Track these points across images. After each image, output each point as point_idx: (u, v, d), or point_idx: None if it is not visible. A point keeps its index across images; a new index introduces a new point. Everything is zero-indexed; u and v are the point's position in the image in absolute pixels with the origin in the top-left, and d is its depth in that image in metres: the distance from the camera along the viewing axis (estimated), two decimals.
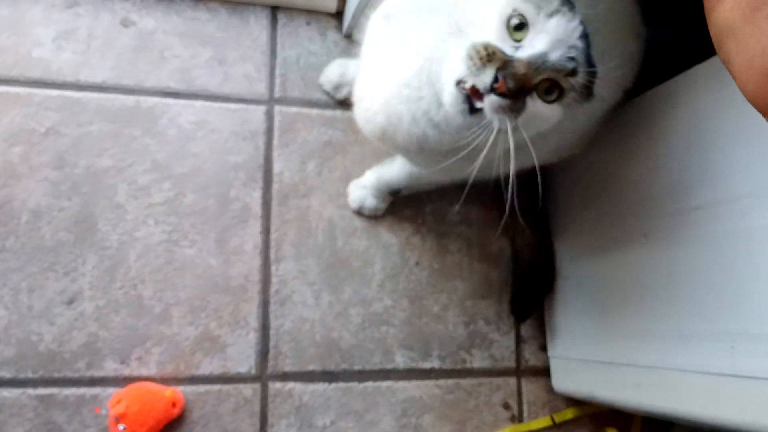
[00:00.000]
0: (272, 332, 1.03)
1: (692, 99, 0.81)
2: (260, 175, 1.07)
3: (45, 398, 0.94)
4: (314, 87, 1.12)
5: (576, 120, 0.79)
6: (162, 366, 0.98)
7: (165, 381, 0.98)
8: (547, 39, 0.65)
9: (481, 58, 0.65)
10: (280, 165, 1.08)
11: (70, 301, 0.97)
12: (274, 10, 1.12)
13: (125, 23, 1.06)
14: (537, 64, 0.65)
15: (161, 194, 1.03)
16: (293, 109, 1.10)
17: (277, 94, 1.10)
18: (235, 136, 1.07)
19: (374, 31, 0.85)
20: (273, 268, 1.05)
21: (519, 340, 1.14)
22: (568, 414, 1.12)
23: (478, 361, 1.11)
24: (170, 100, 1.06)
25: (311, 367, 1.04)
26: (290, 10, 1.13)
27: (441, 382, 1.09)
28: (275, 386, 1.02)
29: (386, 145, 0.85)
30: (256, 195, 1.06)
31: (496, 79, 0.64)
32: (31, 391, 0.94)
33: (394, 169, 1.01)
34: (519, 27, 0.66)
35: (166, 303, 1.00)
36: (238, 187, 1.06)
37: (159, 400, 0.93)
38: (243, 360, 1.01)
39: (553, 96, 0.67)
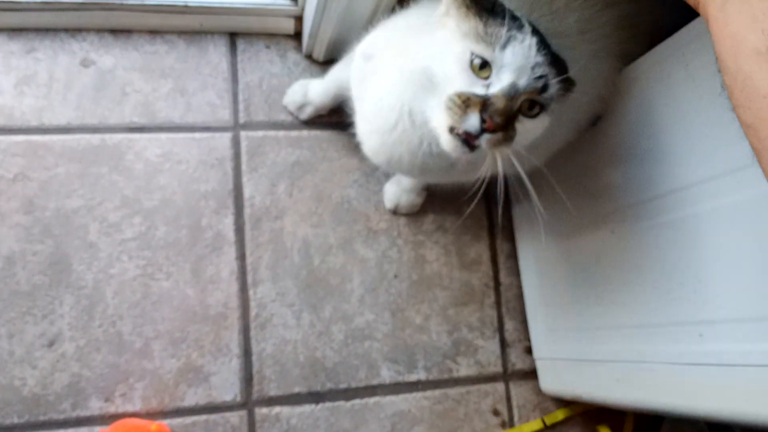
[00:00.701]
0: (255, 357, 1.03)
1: (642, 89, 0.81)
2: (231, 201, 1.07)
3: None
4: (278, 109, 1.12)
5: (561, 119, 0.82)
6: (146, 401, 0.99)
7: (150, 415, 0.98)
8: (510, 70, 0.69)
9: (459, 107, 0.69)
10: (250, 189, 1.08)
11: (51, 344, 0.97)
12: (233, 36, 1.13)
13: (85, 63, 1.07)
14: (511, 93, 0.69)
15: (133, 229, 1.03)
16: (259, 133, 1.11)
17: (241, 119, 1.10)
18: (203, 165, 1.07)
19: (356, 69, 0.90)
20: (251, 292, 1.05)
21: (504, 344, 1.14)
22: (559, 415, 1.12)
23: (464, 368, 1.11)
24: (135, 135, 1.06)
25: (297, 389, 1.04)
26: (248, 35, 1.13)
27: (429, 393, 1.09)
28: (262, 411, 1.02)
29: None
30: (228, 221, 1.07)
31: (483, 120, 0.68)
32: None
33: None
34: (483, 65, 0.70)
35: (146, 337, 1.00)
36: (210, 215, 1.06)
37: None
38: (227, 388, 1.01)
39: (536, 110, 0.72)
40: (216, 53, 1.12)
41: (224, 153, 1.09)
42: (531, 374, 1.13)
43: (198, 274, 1.04)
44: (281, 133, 1.11)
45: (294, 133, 1.12)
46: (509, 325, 1.14)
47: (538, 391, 1.12)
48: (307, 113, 1.11)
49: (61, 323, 0.98)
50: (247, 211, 1.08)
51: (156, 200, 1.05)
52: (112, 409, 0.97)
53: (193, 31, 1.11)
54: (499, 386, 1.12)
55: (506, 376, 1.13)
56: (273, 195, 1.09)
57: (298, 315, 1.06)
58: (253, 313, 1.05)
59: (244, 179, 1.09)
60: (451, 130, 0.70)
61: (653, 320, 0.81)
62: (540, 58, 0.69)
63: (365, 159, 1.12)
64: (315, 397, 1.04)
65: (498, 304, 1.15)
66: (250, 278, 1.06)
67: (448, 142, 0.71)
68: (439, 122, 0.71)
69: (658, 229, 0.80)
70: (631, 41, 0.85)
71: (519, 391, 1.12)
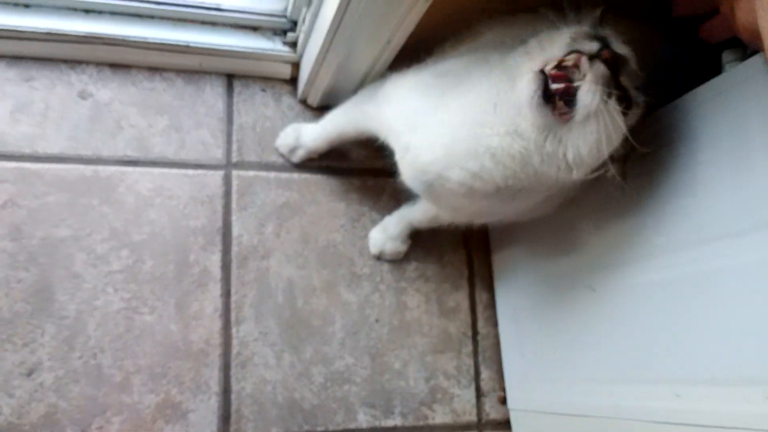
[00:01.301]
0: (234, 396, 1.04)
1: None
2: (219, 239, 1.09)
3: None
4: (270, 151, 1.14)
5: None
6: None
7: None
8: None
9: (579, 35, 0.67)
10: (238, 228, 1.10)
11: (29, 373, 0.96)
12: (230, 78, 1.16)
13: (82, 95, 1.08)
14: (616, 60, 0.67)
15: (120, 262, 1.03)
16: (250, 173, 1.13)
17: (234, 158, 1.12)
18: (194, 201, 1.09)
19: (420, 90, 0.89)
20: (234, 330, 1.06)
21: (479, 393, 1.15)
22: None
23: (440, 416, 1.12)
24: (128, 169, 1.07)
25: (274, 430, 1.04)
26: (245, 77, 1.16)
27: None
28: None
29: (431, 194, 0.86)
30: (216, 258, 1.08)
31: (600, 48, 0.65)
32: None
33: (417, 212, 1.07)
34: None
35: (126, 371, 1.00)
36: (197, 252, 1.07)
37: None
38: (205, 425, 1.01)
39: (623, 106, 0.68)
40: (213, 93, 1.14)
41: (215, 191, 1.10)
42: (504, 424, 1.14)
43: (182, 309, 1.04)
44: (272, 175, 1.14)
45: (284, 175, 1.14)
46: (485, 374, 1.16)
47: None
48: (298, 156, 1.13)
49: (41, 353, 0.98)
50: (234, 249, 1.09)
51: (145, 234, 1.05)
52: None
53: (191, 71, 1.13)
54: None
55: (480, 425, 1.14)
56: (261, 235, 1.11)
57: (279, 355, 1.07)
58: (234, 351, 1.05)
59: (234, 217, 1.10)
60: (541, 71, 0.66)
61: (629, 376, 0.84)
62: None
63: (352, 205, 1.16)
64: None
65: (475, 353, 1.17)
66: (233, 316, 1.06)
67: (527, 83, 0.67)
68: (537, 59, 0.67)
69: (639, 288, 0.83)
70: None
71: None
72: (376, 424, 1.09)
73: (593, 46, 0.66)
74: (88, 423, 0.97)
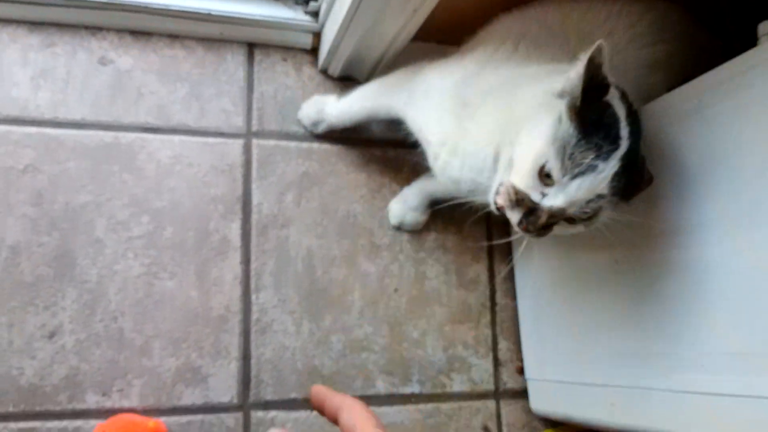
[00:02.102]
0: (253, 361, 1.04)
1: (658, 127, 0.85)
2: (239, 207, 1.09)
3: None
4: (291, 120, 1.14)
5: None
6: (144, 398, 0.98)
7: (147, 412, 0.98)
8: (566, 198, 0.71)
9: (511, 198, 0.75)
10: (258, 197, 1.10)
11: (51, 336, 0.97)
12: (251, 47, 1.15)
13: (103, 62, 1.08)
14: (557, 214, 0.72)
15: (140, 228, 1.04)
16: (271, 142, 1.13)
17: (254, 127, 1.12)
18: (214, 170, 1.09)
19: (447, 110, 0.92)
20: (253, 297, 1.06)
21: (497, 363, 1.15)
22: None
23: (457, 384, 1.12)
24: (148, 136, 1.07)
25: (293, 395, 1.05)
26: (266, 47, 1.16)
27: (422, 406, 1.10)
28: (257, 415, 1.02)
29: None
30: (235, 227, 1.08)
31: (522, 222, 0.74)
32: (12, 425, 0.93)
33: (438, 183, 1.05)
34: (550, 175, 0.73)
35: (146, 335, 1.00)
36: (217, 220, 1.07)
37: None
38: (225, 390, 1.02)
39: (577, 226, 0.75)
40: (233, 62, 1.14)
41: (235, 159, 1.10)
42: (522, 394, 1.14)
43: (202, 276, 1.05)
44: (292, 144, 1.14)
45: (305, 145, 1.14)
46: (503, 345, 1.16)
47: (528, 411, 1.14)
48: (320, 129, 1.13)
49: (63, 316, 0.98)
50: (254, 217, 1.09)
51: (165, 201, 1.06)
52: (108, 404, 0.97)
53: (212, 39, 1.13)
54: (490, 404, 1.13)
55: (497, 394, 1.14)
56: (281, 204, 1.11)
57: (299, 323, 1.07)
58: (254, 317, 1.06)
59: (254, 186, 1.10)
60: (495, 202, 0.77)
61: (653, 349, 0.83)
62: (606, 190, 0.71)
63: (372, 175, 1.15)
64: (310, 403, 1.05)
65: (493, 323, 1.17)
66: (253, 283, 1.07)
67: (491, 203, 0.79)
68: (492, 191, 0.79)
69: (665, 263, 0.82)
70: (661, 82, 0.89)
71: (509, 410, 1.14)
72: (394, 391, 1.09)
73: (514, 219, 0.76)
74: (109, 385, 0.98)
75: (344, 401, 0.51)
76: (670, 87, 0.85)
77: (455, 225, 1.17)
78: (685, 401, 0.79)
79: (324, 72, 1.17)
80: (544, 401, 1.10)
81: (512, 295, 1.18)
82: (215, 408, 1.01)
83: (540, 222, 0.73)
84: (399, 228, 1.15)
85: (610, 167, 0.71)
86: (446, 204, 0.99)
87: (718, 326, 0.74)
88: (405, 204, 1.13)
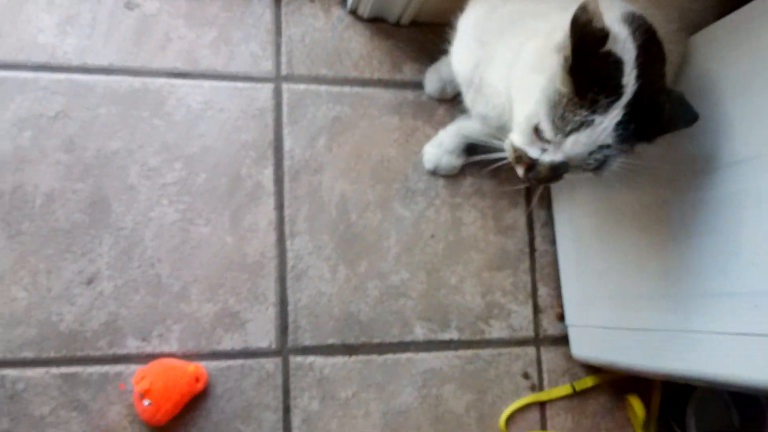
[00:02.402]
0: (290, 307, 1.03)
1: (705, 59, 0.81)
2: (271, 153, 1.07)
3: (69, 377, 0.94)
4: (320, 63, 1.11)
5: None
6: (183, 342, 0.98)
7: (187, 357, 0.98)
8: (563, 155, 0.70)
9: (513, 156, 0.76)
10: (290, 142, 1.08)
11: (89, 282, 0.97)
12: None
13: (129, 6, 1.06)
14: (558, 167, 0.71)
15: (173, 174, 1.02)
16: (301, 86, 1.10)
17: (284, 71, 1.10)
18: (244, 115, 1.07)
19: (467, 52, 0.91)
20: (288, 243, 1.05)
21: (536, 309, 1.14)
22: (589, 382, 1.12)
23: (496, 331, 1.11)
24: (177, 81, 1.05)
25: (331, 341, 1.04)
26: None
27: (460, 352, 1.09)
28: (296, 360, 1.02)
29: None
30: (268, 172, 1.06)
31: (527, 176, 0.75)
32: (54, 370, 0.94)
33: (474, 125, 1.02)
34: (542, 134, 0.72)
35: (184, 281, 1.00)
36: (250, 165, 1.06)
37: (182, 376, 0.92)
38: (263, 335, 1.01)
39: (590, 172, 0.72)
40: (260, 4, 1.11)
41: (265, 104, 1.08)
42: (562, 340, 1.13)
43: (236, 222, 1.03)
44: (323, 88, 1.11)
45: (335, 89, 1.11)
46: (543, 291, 1.14)
47: (569, 357, 1.12)
48: (449, 93, 1.13)
49: (100, 262, 0.98)
50: (286, 163, 1.07)
51: (196, 147, 1.04)
52: (149, 348, 0.97)
53: None
54: (530, 350, 1.12)
55: (537, 340, 1.13)
56: (312, 149, 1.08)
57: (334, 269, 1.06)
58: (289, 264, 1.04)
59: (285, 131, 1.08)
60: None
61: (703, 290, 0.81)
62: (610, 140, 0.69)
63: (405, 119, 1.13)
64: (348, 349, 1.04)
65: (532, 269, 1.14)
66: (287, 229, 1.05)
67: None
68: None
69: (716, 200, 0.79)
70: (703, 13, 0.85)
71: (549, 356, 1.12)
72: (433, 337, 1.08)
73: (520, 172, 0.77)
74: (148, 330, 0.97)
75: None
76: (719, 14, 0.81)
77: (492, 170, 1.14)
78: (737, 344, 0.76)
79: (353, 13, 1.14)
80: (585, 347, 1.08)
81: (551, 240, 1.15)
82: (254, 353, 1.00)
83: (541, 176, 0.73)
84: (434, 172, 1.12)
85: (610, 119, 0.68)
86: (480, 157, 0.96)
87: None
88: (440, 147, 1.10)
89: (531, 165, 0.74)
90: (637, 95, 0.68)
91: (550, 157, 0.71)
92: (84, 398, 0.94)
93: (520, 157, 0.74)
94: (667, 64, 0.75)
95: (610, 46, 0.67)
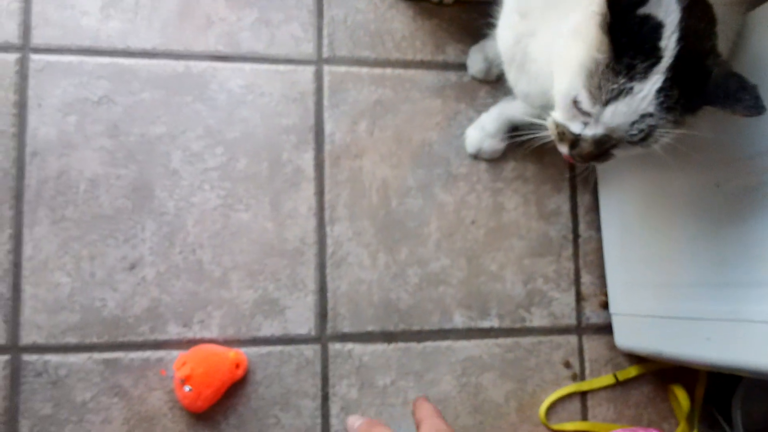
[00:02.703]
0: (330, 294, 1.03)
1: (761, 37, 0.77)
2: (311, 137, 1.06)
3: (111, 362, 0.96)
4: (362, 45, 1.09)
5: None
6: (223, 329, 0.99)
7: (227, 343, 0.99)
8: (604, 126, 0.67)
9: (556, 133, 0.74)
10: (331, 126, 1.07)
11: (132, 267, 0.98)
12: None
13: None
14: (603, 141, 0.69)
15: (215, 159, 1.02)
16: (342, 69, 1.08)
17: (325, 53, 1.08)
18: (285, 99, 1.06)
19: (508, 27, 0.89)
20: (328, 229, 1.04)
21: (579, 297, 1.11)
22: (632, 372, 1.10)
23: (537, 319, 1.09)
24: (219, 64, 1.05)
25: (370, 328, 1.04)
26: None
27: (500, 340, 1.08)
28: (335, 347, 1.02)
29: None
30: (308, 157, 1.05)
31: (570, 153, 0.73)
32: (96, 355, 0.96)
33: (517, 107, 1.01)
34: (581, 107, 0.69)
35: (224, 267, 1.00)
36: (290, 150, 1.05)
37: (223, 362, 0.94)
38: (302, 322, 1.02)
39: (637, 145, 0.68)
40: None
41: (306, 87, 1.07)
42: (605, 329, 1.11)
43: (276, 208, 1.03)
44: (364, 70, 1.09)
45: (377, 71, 1.09)
46: (586, 279, 1.12)
47: (612, 347, 1.10)
48: (493, 74, 1.11)
49: (143, 248, 0.99)
50: (327, 147, 1.06)
51: (238, 132, 1.04)
52: (189, 334, 0.98)
53: None
54: (572, 339, 1.10)
55: (580, 329, 1.11)
56: (354, 133, 1.07)
57: (374, 255, 1.05)
58: (329, 250, 1.04)
59: (326, 115, 1.07)
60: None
61: (757, 277, 0.78)
62: (653, 108, 0.65)
63: (448, 102, 1.10)
64: (387, 336, 1.04)
65: (576, 256, 1.12)
66: (327, 215, 1.05)
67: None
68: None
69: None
70: None
71: (592, 345, 1.11)
72: (472, 325, 1.07)
73: (564, 150, 0.75)
74: (189, 317, 0.99)
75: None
76: None
77: (535, 154, 1.12)
78: None
79: None
80: (630, 337, 1.06)
81: (596, 226, 1.13)
82: (294, 339, 1.01)
83: (585, 152, 0.71)
84: (476, 156, 1.10)
85: (650, 85, 0.64)
86: (525, 135, 0.93)
87: None
88: (483, 131, 1.08)
89: (574, 141, 0.71)
90: (679, 59, 0.64)
91: (592, 130, 0.69)
92: (125, 384, 0.96)
93: (563, 133, 0.72)
94: (719, 33, 0.69)
95: (649, 7, 0.64)
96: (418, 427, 0.64)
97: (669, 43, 0.64)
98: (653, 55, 0.64)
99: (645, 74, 0.64)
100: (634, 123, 0.66)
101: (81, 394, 0.95)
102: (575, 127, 0.71)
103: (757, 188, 0.78)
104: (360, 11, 1.10)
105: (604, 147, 0.70)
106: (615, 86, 0.65)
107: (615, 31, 0.64)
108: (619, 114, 0.66)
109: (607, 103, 0.66)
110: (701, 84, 0.65)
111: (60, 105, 1.00)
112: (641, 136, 0.67)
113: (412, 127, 1.09)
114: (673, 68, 0.64)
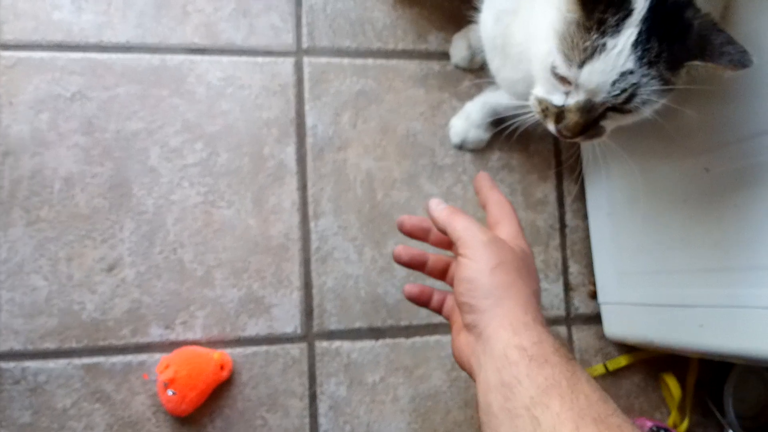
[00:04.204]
0: (315, 290, 1.01)
1: (749, 20, 0.75)
2: (293, 130, 1.04)
3: (91, 367, 0.93)
4: (343, 35, 1.07)
5: None
6: (207, 329, 0.97)
7: (211, 344, 0.96)
8: (584, 89, 0.65)
9: (540, 111, 0.71)
10: (312, 118, 1.04)
11: (111, 268, 0.95)
12: None
13: None
14: (587, 107, 0.66)
15: (194, 155, 1.00)
16: (323, 60, 1.06)
17: (305, 44, 1.06)
18: (265, 91, 1.03)
19: (493, 7, 0.87)
20: (312, 224, 1.02)
21: (567, 287, 1.10)
22: (622, 361, 1.09)
23: None
24: (197, 57, 1.02)
25: (357, 324, 1.02)
26: None
27: None
28: (322, 345, 1.00)
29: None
30: (290, 150, 1.03)
31: (557, 128, 0.70)
32: (77, 361, 0.93)
33: (502, 95, 0.98)
34: (559, 73, 0.67)
35: (207, 266, 0.98)
36: (272, 144, 1.02)
37: (207, 364, 0.91)
38: (288, 320, 0.99)
39: (628, 110, 0.66)
40: None
41: (287, 79, 1.04)
42: (594, 319, 1.09)
43: (259, 203, 1.01)
44: (346, 61, 1.07)
45: (359, 61, 1.07)
46: (574, 269, 1.11)
47: (601, 336, 1.09)
48: (477, 62, 1.08)
49: (122, 248, 0.96)
50: (309, 140, 1.04)
51: (218, 126, 1.01)
52: (172, 336, 0.96)
53: None
54: (561, 329, 1.09)
55: (569, 319, 1.10)
56: (336, 125, 1.05)
57: (360, 250, 1.03)
58: (314, 246, 1.02)
59: (307, 107, 1.04)
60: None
61: (749, 262, 0.77)
62: (632, 64, 0.61)
63: (431, 91, 1.08)
64: (375, 332, 1.02)
65: (563, 246, 1.11)
66: (311, 210, 1.02)
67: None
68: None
69: (760, 168, 0.75)
70: None
71: (581, 336, 1.10)
72: None
73: (552, 128, 0.71)
74: (172, 318, 0.96)
75: (500, 196, 0.65)
76: None
77: (521, 143, 1.10)
78: None
79: None
80: (619, 325, 1.05)
81: (583, 215, 1.11)
82: (279, 338, 0.99)
83: (572, 123, 0.67)
84: (461, 147, 1.08)
85: (624, 39, 0.61)
86: (510, 123, 0.92)
87: None
88: (467, 120, 1.06)
89: (559, 115, 0.69)
90: (653, 11, 0.61)
91: (574, 98, 0.66)
92: (107, 389, 0.93)
93: (547, 108, 0.70)
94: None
95: None
96: (485, 205, 0.65)
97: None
98: (624, 8, 0.61)
99: (617, 28, 0.61)
100: (615, 82, 0.62)
101: (62, 401, 0.92)
102: (557, 99, 0.68)
103: (745, 172, 0.77)
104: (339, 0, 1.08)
105: (590, 116, 0.67)
106: (588, 44, 0.62)
107: None
108: (596, 73, 0.62)
109: (582, 63, 0.63)
110: (682, 37, 0.62)
111: (32, 102, 0.96)
112: (625, 96, 0.63)
113: (395, 118, 1.07)
114: (647, 20, 0.61)
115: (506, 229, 0.62)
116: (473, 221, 0.59)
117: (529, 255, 0.60)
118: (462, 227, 0.58)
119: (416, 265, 0.69)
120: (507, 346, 0.49)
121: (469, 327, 0.54)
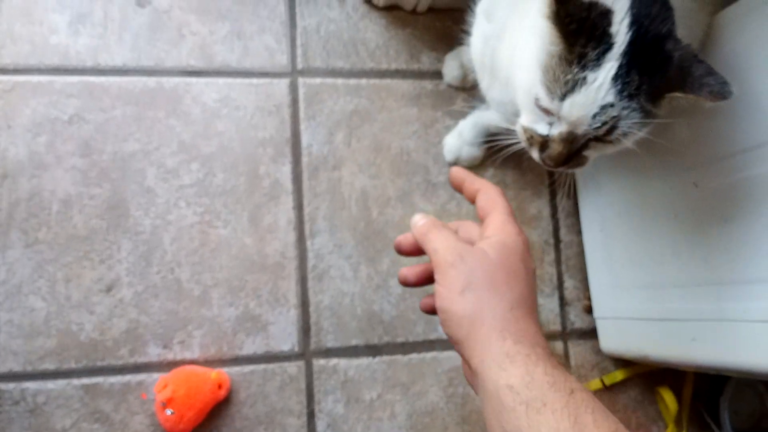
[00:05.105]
0: (312, 308, 1.02)
1: (731, 38, 0.77)
2: (288, 150, 1.05)
3: (90, 388, 0.94)
4: (336, 55, 1.08)
5: None
6: (205, 348, 0.97)
7: (209, 363, 0.97)
8: (566, 122, 0.66)
9: (525, 140, 0.73)
10: (307, 137, 1.06)
11: (108, 289, 0.96)
12: None
13: (141, 3, 1.03)
14: (570, 138, 0.67)
15: (190, 175, 1.01)
16: (317, 80, 1.07)
17: (299, 65, 1.07)
18: (261, 111, 1.05)
19: (478, 29, 0.89)
20: (308, 243, 1.03)
21: (563, 303, 1.11)
22: (618, 375, 1.09)
23: None
24: (192, 79, 1.03)
25: (354, 342, 1.02)
26: None
27: None
28: (319, 363, 1.01)
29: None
30: (286, 170, 1.04)
31: (541, 157, 0.71)
32: (75, 381, 0.94)
33: (494, 113, 0.99)
34: (542, 105, 0.68)
35: (204, 285, 0.98)
36: (268, 163, 1.04)
37: (205, 383, 0.92)
38: (285, 338, 1.00)
39: (610, 141, 0.67)
40: None
41: (282, 99, 1.06)
42: (590, 333, 1.10)
43: (256, 222, 1.02)
44: (339, 81, 1.08)
45: (352, 81, 1.08)
46: (569, 284, 1.11)
47: (597, 351, 1.09)
48: (469, 81, 1.09)
49: (119, 269, 0.97)
50: (304, 159, 1.05)
51: (214, 146, 1.02)
52: (170, 356, 0.96)
53: None
54: (558, 345, 1.10)
55: (565, 334, 1.10)
56: (331, 144, 1.06)
57: (356, 267, 1.04)
58: (310, 264, 1.03)
59: (302, 127, 1.06)
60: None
61: (742, 276, 0.78)
62: (612, 97, 0.62)
63: (424, 110, 1.10)
64: (372, 350, 1.03)
65: (558, 261, 1.12)
66: (307, 228, 1.03)
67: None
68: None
69: (748, 182, 0.76)
70: None
71: (577, 351, 1.10)
72: None
73: (535, 156, 0.73)
74: (170, 337, 0.97)
75: (483, 185, 0.61)
76: None
77: (514, 160, 1.11)
78: None
79: (368, 1, 1.11)
80: (615, 340, 1.05)
81: (577, 230, 1.12)
82: (277, 357, 0.99)
83: (555, 153, 0.68)
84: (455, 164, 1.09)
85: (604, 72, 0.62)
86: (503, 141, 0.93)
87: None
88: (461, 138, 1.07)
89: (543, 144, 0.70)
90: (634, 44, 0.62)
91: (557, 129, 0.68)
92: (106, 409, 0.94)
93: (532, 137, 0.71)
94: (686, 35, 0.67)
95: None
96: (472, 200, 0.63)
97: (620, 29, 0.62)
98: (604, 42, 0.62)
99: (598, 62, 0.62)
100: (595, 115, 0.63)
101: (61, 422, 0.93)
102: (541, 129, 0.70)
103: (733, 187, 0.78)
104: (333, 21, 1.09)
105: (573, 147, 0.68)
106: (569, 77, 0.63)
107: (562, 19, 0.62)
108: (577, 106, 0.64)
109: (564, 96, 0.64)
110: (663, 69, 0.63)
111: (30, 125, 0.97)
112: (605, 129, 0.64)
113: (389, 136, 1.08)
114: (627, 54, 0.62)
115: (494, 221, 0.59)
116: (447, 236, 0.56)
117: (514, 245, 0.56)
118: (432, 249, 0.55)
119: (423, 281, 0.66)
120: (497, 386, 0.46)
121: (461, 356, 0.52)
